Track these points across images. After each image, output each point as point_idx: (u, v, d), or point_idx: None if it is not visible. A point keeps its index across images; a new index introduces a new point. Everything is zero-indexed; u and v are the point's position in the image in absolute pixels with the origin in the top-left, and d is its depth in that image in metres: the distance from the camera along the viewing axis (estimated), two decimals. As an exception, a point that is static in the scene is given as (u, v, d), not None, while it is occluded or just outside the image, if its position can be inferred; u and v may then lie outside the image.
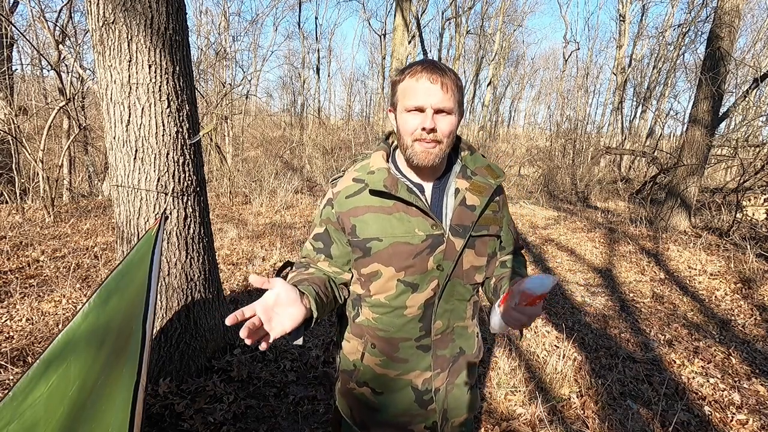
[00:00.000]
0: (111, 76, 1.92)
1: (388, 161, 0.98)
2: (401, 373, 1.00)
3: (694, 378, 2.68)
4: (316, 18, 39.02)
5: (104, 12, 1.84)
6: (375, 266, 0.94)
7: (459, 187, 0.97)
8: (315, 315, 0.83)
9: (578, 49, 29.11)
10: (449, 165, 1.01)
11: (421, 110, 0.87)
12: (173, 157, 2.06)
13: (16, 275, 3.44)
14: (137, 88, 1.93)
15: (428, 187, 0.97)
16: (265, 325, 0.71)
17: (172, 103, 2.02)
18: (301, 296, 0.79)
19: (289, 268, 1.05)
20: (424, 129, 0.86)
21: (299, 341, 0.82)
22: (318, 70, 21.77)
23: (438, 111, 0.86)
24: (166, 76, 1.98)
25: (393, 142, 1.04)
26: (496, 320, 0.91)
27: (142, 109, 1.95)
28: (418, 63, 0.89)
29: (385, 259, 0.92)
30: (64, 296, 3.14)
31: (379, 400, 1.02)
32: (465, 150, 1.03)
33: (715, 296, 4.14)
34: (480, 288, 1.08)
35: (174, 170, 2.07)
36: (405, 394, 1.01)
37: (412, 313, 0.96)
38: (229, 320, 0.66)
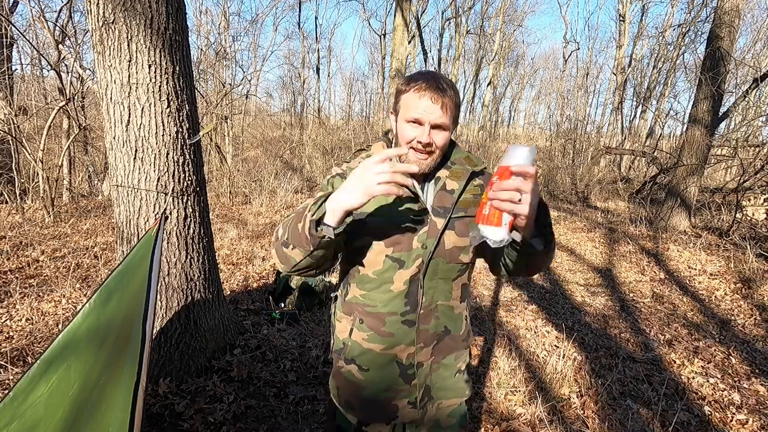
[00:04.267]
0: (111, 76, 1.92)
1: None
2: (387, 348, 1.06)
3: (694, 378, 2.68)
4: (316, 18, 39.05)
5: (104, 12, 1.85)
6: (366, 239, 1.02)
7: (440, 176, 1.07)
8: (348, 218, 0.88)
9: (578, 49, 29.17)
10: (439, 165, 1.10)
11: (420, 123, 0.97)
12: (173, 157, 2.06)
13: (16, 275, 3.44)
14: (137, 88, 1.93)
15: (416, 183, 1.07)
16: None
17: (172, 103, 2.02)
18: None
19: None
20: (420, 142, 0.97)
21: (331, 234, 0.86)
22: (318, 70, 21.77)
23: (435, 126, 0.97)
24: (166, 76, 1.98)
25: (392, 138, 1.13)
26: (474, 232, 0.83)
27: (142, 109, 1.95)
28: (423, 78, 0.96)
29: (376, 234, 1.01)
30: (64, 296, 3.14)
31: (366, 377, 1.08)
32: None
33: (715, 296, 4.14)
34: (468, 269, 1.11)
35: (174, 170, 2.07)
36: (390, 369, 1.07)
37: (398, 288, 1.03)
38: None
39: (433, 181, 1.07)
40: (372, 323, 1.05)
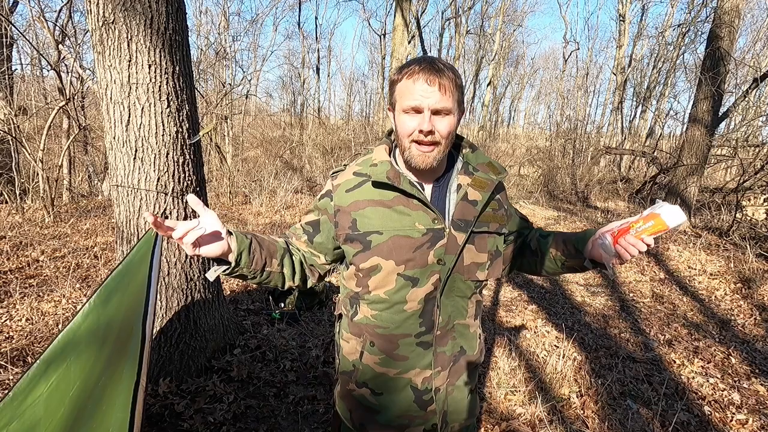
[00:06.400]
0: (111, 76, 1.92)
1: (390, 155, 1.00)
2: (401, 372, 0.99)
3: (693, 378, 2.68)
4: (316, 18, 39.02)
5: (104, 12, 1.85)
6: (375, 260, 0.93)
7: (461, 183, 0.97)
8: (235, 259, 0.89)
9: (578, 49, 29.15)
10: (450, 163, 1.01)
11: (418, 111, 0.86)
12: (173, 157, 2.06)
13: (16, 275, 3.44)
14: (137, 88, 1.93)
15: (428, 187, 0.98)
16: (183, 238, 0.81)
17: (172, 103, 2.02)
18: (229, 236, 0.88)
19: None
20: (421, 131, 0.86)
21: (210, 276, 0.90)
22: (318, 70, 21.77)
23: (436, 112, 0.86)
24: (166, 76, 1.98)
25: (394, 139, 1.04)
26: (607, 244, 0.93)
27: (142, 109, 1.95)
28: (416, 62, 0.88)
29: (385, 252, 0.92)
30: (64, 296, 3.14)
31: (379, 401, 1.02)
32: (466, 147, 1.03)
33: (715, 296, 4.14)
34: (482, 287, 1.07)
35: (174, 170, 2.07)
36: (404, 395, 1.01)
37: (412, 308, 0.95)
38: (147, 214, 0.76)
39: (455, 189, 0.97)
40: (384, 346, 0.98)
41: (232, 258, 0.89)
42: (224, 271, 0.90)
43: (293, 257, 1.02)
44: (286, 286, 1.03)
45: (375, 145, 1.03)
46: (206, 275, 0.91)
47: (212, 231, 0.84)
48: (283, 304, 3.25)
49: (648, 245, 0.88)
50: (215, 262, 0.90)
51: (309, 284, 1.07)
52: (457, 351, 1.03)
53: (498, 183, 1.00)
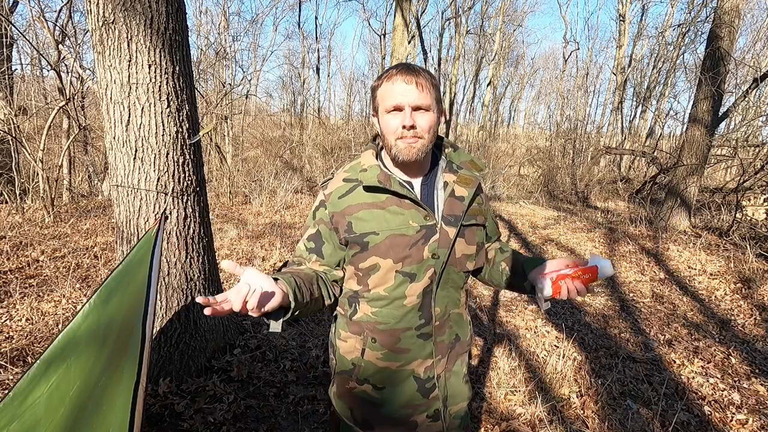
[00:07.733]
0: (111, 76, 1.92)
1: (377, 159, 1.04)
2: (403, 364, 1.03)
3: (693, 378, 2.68)
4: (316, 18, 38.97)
5: (104, 12, 1.84)
6: (373, 259, 0.97)
7: (447, 180, 1.03)
8: (292, 304, 0.84)
9: (578, 49, 29.18)
10: (435, 162, 1.07)
11: (399, 109, 0.93)
12: (173, 157, 2.06)
13: (16, 275, 3.44)
14: (137, 88, 1.93)
15: (417, 183, 1.03)
16: (246, 306, 0.73)
17: (172, 103, 2.02)
18: (276, 282, 0.83)
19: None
20: (404, 127, 0.92)
21: (277, 328, 0.83)
22: (318, 70, 21.78)
23: (416, 108, 0.93)
24: (166, 76, 1.98)
25: (380, 143, 1.09)
26: (546, 290, 0.97)
27: (142, 109, 1.95)
28: (393, 67, 0.95)
29: (382, 251, 0.96)
30: (64, 296, 3.14)
31: (381, 395, 1.05)
32: (448, 147, 1.09)
33: (715, 296, 4.14)
34: (470, 276, 1.13)
35: (174, 170, 2.07)
36: (407, 385, 1.04)
37: (411, 302, 1.00)
38: (200, 299, 0.69)
39: (441, 186, 1.03)
40: (386, 341, 1.01)
41: (290, 299, 0.84)
42: (286, 316, 0.85)
43: (320, 277, 1.02)
44: (323, 306, 1.03)
45: (361, 150, 1.08)
46: (270, 329, 0.83)
47: (267, 288, 0.79)
48: (283, 304, 3.25)
49: (583, 295, 0.95)
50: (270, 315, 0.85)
51: (337, 296, 1.09)
52: (453, 338, 1.08)
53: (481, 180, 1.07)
